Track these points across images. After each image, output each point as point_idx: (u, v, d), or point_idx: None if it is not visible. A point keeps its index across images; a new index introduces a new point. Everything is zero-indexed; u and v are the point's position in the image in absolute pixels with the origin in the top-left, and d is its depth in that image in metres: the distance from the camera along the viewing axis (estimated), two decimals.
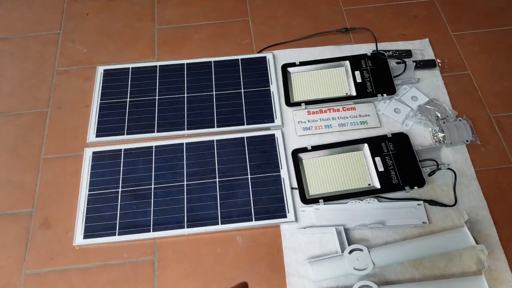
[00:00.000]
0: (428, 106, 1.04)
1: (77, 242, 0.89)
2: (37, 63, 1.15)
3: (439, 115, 1.02)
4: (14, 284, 0.86)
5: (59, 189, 0.96)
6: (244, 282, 0.64)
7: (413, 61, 1.11)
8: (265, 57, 1.13)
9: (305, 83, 1.09)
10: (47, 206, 0.94)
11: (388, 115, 1.05)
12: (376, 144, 0.99)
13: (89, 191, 0.95)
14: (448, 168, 0.97)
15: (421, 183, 0.94)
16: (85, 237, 0.89)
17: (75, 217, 0.91)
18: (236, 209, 0.92)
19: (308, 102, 1.06)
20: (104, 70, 1.12)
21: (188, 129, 1.03)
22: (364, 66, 1.10)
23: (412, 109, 1.05)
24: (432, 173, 0.96)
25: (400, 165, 0.96)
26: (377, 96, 1.05)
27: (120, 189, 0.95)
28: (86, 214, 0.92)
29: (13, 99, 1.09)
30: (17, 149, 1.02)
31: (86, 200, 0.93)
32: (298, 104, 1.06)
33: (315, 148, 0.99)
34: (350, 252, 0.84)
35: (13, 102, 1.09)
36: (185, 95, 1.08)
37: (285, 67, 1.11)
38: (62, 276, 0.86)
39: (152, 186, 0.95)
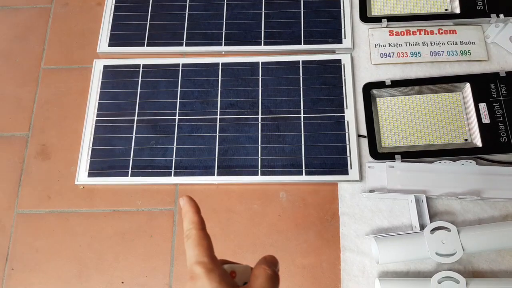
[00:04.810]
0: None
1: (81, 180, 0.71)
2: None
3: None
4: (3, 225, 0.70)
5: (61, 109, 0.77)
6: (273, 258, 0.38)
7: None
8: None
9: None
10: (46, 131, 0.75)
11: (501, 45, 0.76)
12: (483, 85, 0.72)
13: (97, 116, 0.74)
14: None
15: None
16: (90, 174, 0.71)
17: (79, 148, 0.73)
18: (282, 157, 0.70)
19: (391, 18, 0.77)
20: None
21: (226, 44, 0.78)
22: None
23: None
24: None
25: None
26: (490, 16, 0.75)
27: (135, 117, 0.74)
28: (92, 146, 0.72)
29: None
30: (13, 54, 0.81)
31: (93, 127, 0.74)
32: (377, 19, 0.77)
33: (396, 83, 0.73)
34: (433, 230, 0.62)
35: None
36: None
37: None
38: (61, 220, 0.70)
39: (176, 117, 0.74)
